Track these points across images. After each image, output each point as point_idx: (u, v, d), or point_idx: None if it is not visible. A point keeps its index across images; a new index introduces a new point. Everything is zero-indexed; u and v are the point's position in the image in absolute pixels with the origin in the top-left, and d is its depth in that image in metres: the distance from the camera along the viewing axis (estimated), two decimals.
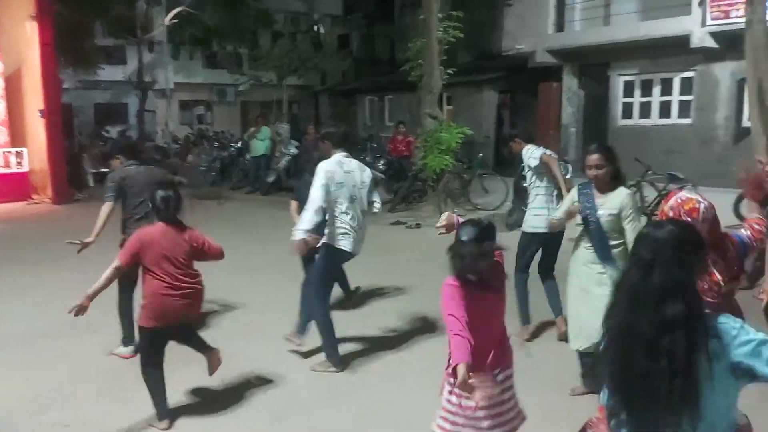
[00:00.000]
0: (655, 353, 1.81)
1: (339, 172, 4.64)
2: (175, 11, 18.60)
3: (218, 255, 4.00)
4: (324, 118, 26.48)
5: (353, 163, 4.81)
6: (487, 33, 17.97)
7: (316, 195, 4.48)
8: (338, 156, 4.73)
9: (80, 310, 3.54)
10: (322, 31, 25.25)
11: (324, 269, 4.80)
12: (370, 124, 22.78)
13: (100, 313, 5.18)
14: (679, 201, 2.76)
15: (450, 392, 2.78)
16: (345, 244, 4.68)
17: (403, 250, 8.53)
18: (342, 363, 4.72)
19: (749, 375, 1.83)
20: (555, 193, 5.26)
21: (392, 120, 19.89)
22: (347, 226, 4.66)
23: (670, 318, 1.81)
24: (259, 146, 14.89)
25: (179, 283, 3.73)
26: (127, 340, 4.98)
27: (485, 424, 2.73)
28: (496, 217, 10.93)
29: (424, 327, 5.48)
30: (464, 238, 2.69)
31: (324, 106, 26.98)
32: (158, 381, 3.83)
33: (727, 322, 1.88)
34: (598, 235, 3.89)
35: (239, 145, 16.80)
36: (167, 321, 3.74)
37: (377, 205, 5.01)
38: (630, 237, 3.71)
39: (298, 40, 21.76)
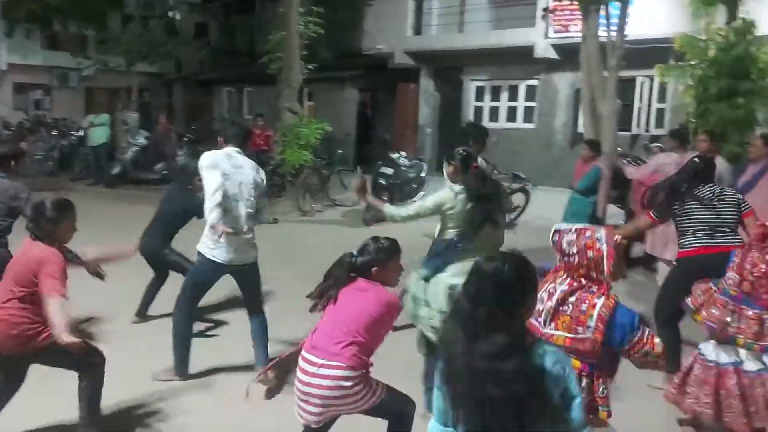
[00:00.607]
0: (493, 381, 1.87)
1: (225, 163, 4.31)
2: None
3: (48, 291, 3.21)
4: (178, 107, 25.26)
5: (245, 160, 4.46)
6: (349, 31, 18.10)
7: (214, 184, 4.17)
8: (228, 149, 4.43)
9: None
10: (177, 17, 23.98)
11: (192, 281, 4.45)
12: (227, 116, 22.10)
13: None
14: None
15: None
16: (217, 253, 4.31)
17: (259, 245, 8.33)
18: (187, 374, 4.49)
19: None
20: None
21: (251, 113, 19.44)
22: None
23: (497, 349, 1.89)
24: (98, 135, 13.92)
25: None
26: None
27: (300, 401, 2.90)
28: (352, 213, 11.09)
29: (285, 324, 5.39)
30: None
31: (178, 96, 25.75)
32: None
33: (557, 359, 2.00)
34: None
35: (80, 133, 15.60)
36: None
37: (266, 214, 4.97)
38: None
39: (151, 25, 20.53)
